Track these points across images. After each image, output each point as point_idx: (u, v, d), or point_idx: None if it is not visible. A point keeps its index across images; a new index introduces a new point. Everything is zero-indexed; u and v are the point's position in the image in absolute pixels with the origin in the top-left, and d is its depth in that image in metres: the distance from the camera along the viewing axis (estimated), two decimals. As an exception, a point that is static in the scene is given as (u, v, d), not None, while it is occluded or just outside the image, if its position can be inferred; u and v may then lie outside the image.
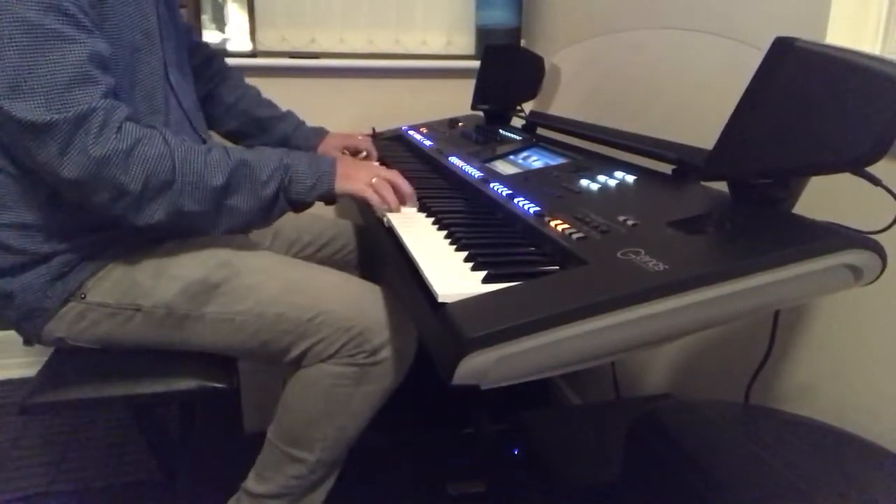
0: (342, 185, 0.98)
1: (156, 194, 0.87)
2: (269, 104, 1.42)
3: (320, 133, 1.45)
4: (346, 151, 1.42)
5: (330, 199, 1.00)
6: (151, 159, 0.85)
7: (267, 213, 0.96)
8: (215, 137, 1.35)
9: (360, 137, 1.46)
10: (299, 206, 0.99)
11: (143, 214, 0.88)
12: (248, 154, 0.95)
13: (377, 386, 1.00)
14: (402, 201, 0.98)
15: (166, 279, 0.97)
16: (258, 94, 1.42)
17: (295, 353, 0.97)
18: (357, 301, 0.98)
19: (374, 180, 0.98)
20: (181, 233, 0.99)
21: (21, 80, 0.78)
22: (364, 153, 1.41)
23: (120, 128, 0.84)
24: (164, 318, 0.97)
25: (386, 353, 0.97)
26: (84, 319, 0.98)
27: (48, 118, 0.79)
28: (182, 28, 1.19)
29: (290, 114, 1.44)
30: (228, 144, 0.99)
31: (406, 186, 0.99)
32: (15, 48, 0.78)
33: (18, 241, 0.93)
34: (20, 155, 0.87)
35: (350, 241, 1.37)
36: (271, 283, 0.98)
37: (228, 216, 0.94)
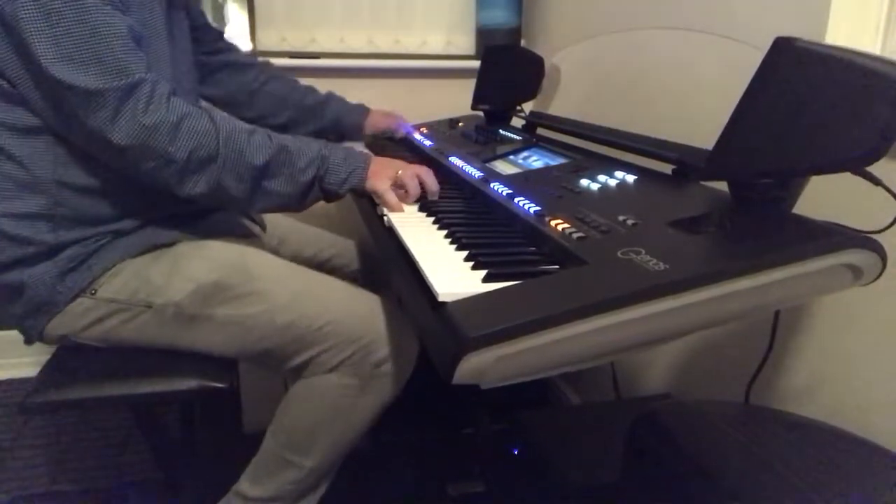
0: (371, 182, 1.00)
1: (199, 167, 0.90)
2: (311, 90, 1.47)
3: (363, 111, 1.51)
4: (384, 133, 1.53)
5: (360, 193, 1.02)
6: (198, 133, 0.89)
7: (302, 198, 0.99)
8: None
9: (400, 120, 1.53)
10: (332, 196, 1.02)
11: (185, 185, 0.91)
12: (288, 140, 0.97)
13: (378, 397, 1.01)
14: (426, 195, 1.01)
15: (180, 279, 0.97)
16: (296, 83, 1.47)
17: (299, 360, 0.98)
18: (364, 313, 1.00)
19: (399, 173, 1.00)
20: (219, 206, 1.04)
21: (73, 49, 0.82)
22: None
23: (169, 98, 0.88)
24: (173, 318, 0.97)
25: (389, 366, 0.99)
26: (91, 315, 0.98)
27: (101, 85, 0.83)
28: (198, 27, 1.23)
29: (331, 95, 1.49)
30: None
31: (432, 182, 1.01)
32: (63, 21, 0.81)
33: (22, 230, 0.93)
34: (70, 122, 0.89)
35: (353, 260, 1.37)
36: (282, 290, 0.98)
37: (265, 196, 0.96)
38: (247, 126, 0.95)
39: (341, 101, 1.51)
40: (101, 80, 0.83)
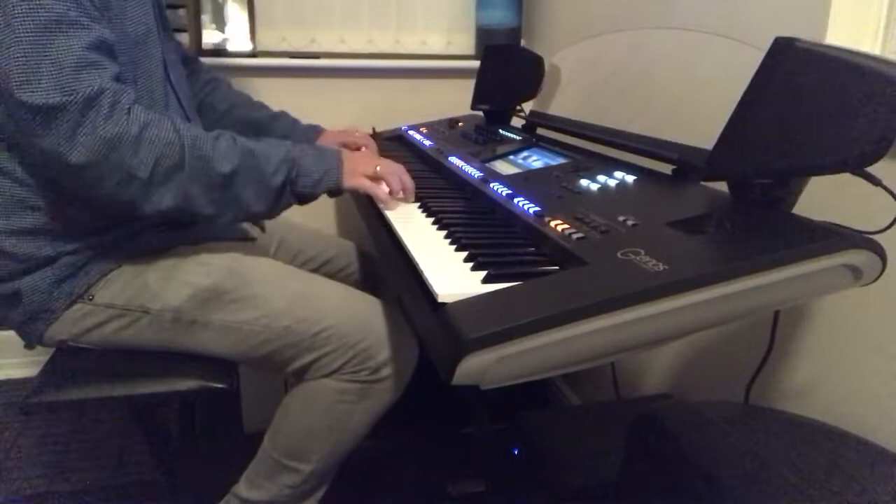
0: (349, 179, 0.98)
1: (164, 179, 0.86)
2: (262, 106, 1.41)
3: (316, 130, 1.43)
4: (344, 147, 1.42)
5: (336, 193, 1.00)
6: (161, 143, 0.85)
7: (273, 205, 0.95)
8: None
9: (357, 134, 1.44)
10: (306, 199, 0.99)
11: (151, 200, 0.86)
12: (254, 144, 0.94)
13: (377, 402, 1.00)
14: (405, 193, 0.99)
15: (176, 284, 0.97)
16: (249, 98, 1.41)
17: (298, 364, 0.98)
18: (363, 318, 0.99)
19: (378, 168, 0.99)
20: (187, 221, 0.97)
21: (32, 65, 0.78)
22: (363, 149, 1.41)
23: (130, 110, 0.83)
24: (171, 323, 0.97)
25: (388, 370, 0.98)
26: (89, 321, 0.97)
27: (58, 100, 0.78)
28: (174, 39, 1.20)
29: (283, 113, 1.43)
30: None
31: (408, 180, 1.00)
32: (25, 31, 0.78)
33: (22, 248, 0.93)
34: (25, 147, 0.86)
35: (352, 261, 1.36)
36: (280, 295, 0.98)
37: (234, 205, 0.92)
38: (211, 132, 0.91)
39: (293, 119, 1.43)
40: (58, 95, 0.78)
